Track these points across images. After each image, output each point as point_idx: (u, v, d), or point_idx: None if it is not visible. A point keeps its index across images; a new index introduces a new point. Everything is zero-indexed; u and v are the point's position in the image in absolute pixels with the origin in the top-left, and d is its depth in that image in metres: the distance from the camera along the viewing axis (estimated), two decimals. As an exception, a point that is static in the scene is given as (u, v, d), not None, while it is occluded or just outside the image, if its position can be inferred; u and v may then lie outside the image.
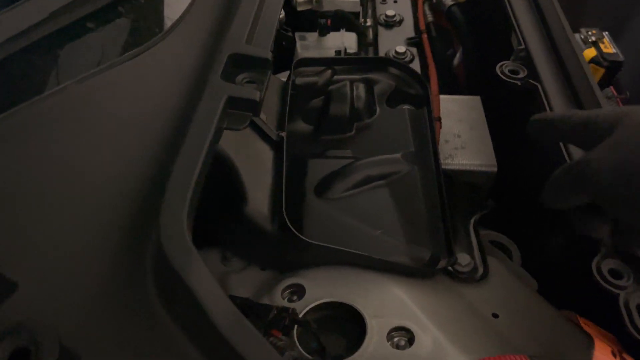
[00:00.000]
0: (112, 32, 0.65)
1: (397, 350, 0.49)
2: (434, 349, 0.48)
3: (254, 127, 0.58)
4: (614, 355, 0.38)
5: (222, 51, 0.48)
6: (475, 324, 0.53)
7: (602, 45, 0.92)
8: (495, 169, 0.71)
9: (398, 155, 0.67)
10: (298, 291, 0.55)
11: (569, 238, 0.55)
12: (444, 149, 0.73)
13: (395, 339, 0.50)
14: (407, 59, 0.86)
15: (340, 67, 0.77)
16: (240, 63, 0.50)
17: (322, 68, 0.75)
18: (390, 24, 0.95)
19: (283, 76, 0.77)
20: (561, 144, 0.58)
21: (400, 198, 0.64)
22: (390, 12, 0.96)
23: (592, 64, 0.91)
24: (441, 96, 0.77)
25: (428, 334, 0.50)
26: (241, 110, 0.43)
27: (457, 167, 0.72)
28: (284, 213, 0.54)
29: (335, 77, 0.75)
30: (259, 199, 0.56)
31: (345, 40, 0.93)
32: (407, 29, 0.94)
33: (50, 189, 0.39)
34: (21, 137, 0.41)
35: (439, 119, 0.74)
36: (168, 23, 0.60)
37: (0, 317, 0.31)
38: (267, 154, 0.59)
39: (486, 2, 0.94)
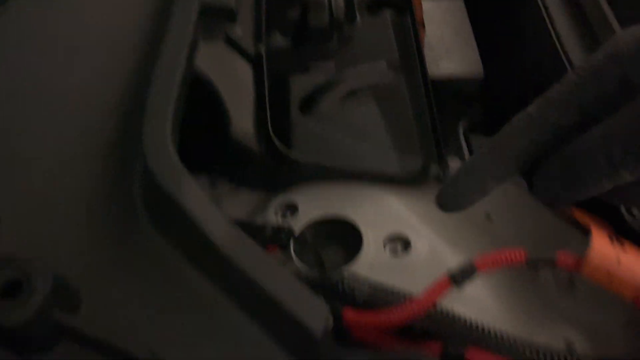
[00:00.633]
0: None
1: (395, 257, 0.49)
2: (430, 252, 0.49)
3: (230, 43, 0.55)
4: (612, 240, 0.39)
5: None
6: (468, 226, 0.54)
7: None
8: (481, 75, 0.70)
9: (383, 63, 0.65)
10: (291, 209, 0.55)
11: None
12: (428, 57, 0.71)
13: (392, 247, 0.50)
14: (386, -39, 0.81)
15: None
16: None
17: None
18: None
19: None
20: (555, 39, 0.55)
21: (387, 108, 0.62)
22: None
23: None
24: (423, 1, 0.74)
25: (424, 239, 0.50)
26: (216, 18, 0.40)
27: (442, 75, 0.71)
28: (270, 130, 0.52)
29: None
30: (243, 119, 0.54)
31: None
32: None
33: (24, 116, 0.37)
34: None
35: (423, 25, 0.71)
36: None
37: (-15, 254, 0.29)
38: (246, 70, 0.57)
39: None
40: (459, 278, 0.38)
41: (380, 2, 0.71)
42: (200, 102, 0.54)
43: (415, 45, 0.67)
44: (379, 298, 0.40)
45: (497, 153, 0.34)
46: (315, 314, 0.29)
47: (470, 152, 0.61)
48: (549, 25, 0.56)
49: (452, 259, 0.47)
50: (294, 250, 0.50)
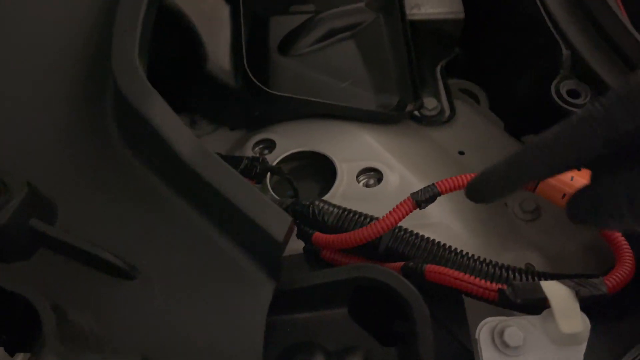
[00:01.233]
0: None
1: (367, 188, 0.51)
2: (401, 183, 0.50)
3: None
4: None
5: None
6: (441, 161, 0.55)
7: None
8: (462, 15, 0.69)
9: (362, 4, 0.65)
10: (269, 145, 0.56)
11: (533, 71, 0.55)
12: (410, -1, 0.70)
13: (365, 179, 0.52)
14: None
15: None
16: None
17: None
18: None
19: None
20: None
21: (366, 48, 0.63)
22: None
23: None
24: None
25: (395, 172, 0.51)
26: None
27: (423, 17, 0.70)
28: (246, 65, 0.53)
29: None
30: (219, 55, 0.55)
31: None
32: None
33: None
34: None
35: (404, -33, 0.71)
36: None
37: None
38: (223, 8, 0.57)
39: None
40: (421, 199, 0.39)
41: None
42: (178, 39, 0.55)
43: (395, -15, 0.67)
44: (346, 220, 0.42)
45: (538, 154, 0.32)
46: (278, 222, 0.31)
47: (447, 90, 0.62)
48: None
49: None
50: (272, 186, 0.52)
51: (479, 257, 0.40)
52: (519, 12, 0.56)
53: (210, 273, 0.32)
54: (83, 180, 0.34)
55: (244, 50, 0.53)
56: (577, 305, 0.33)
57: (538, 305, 0.34)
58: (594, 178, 0.32)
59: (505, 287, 0.35)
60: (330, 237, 0.40)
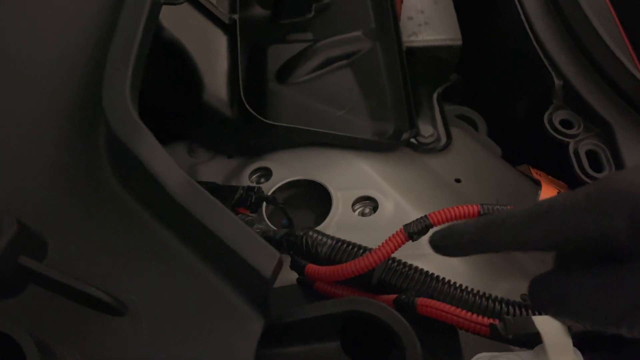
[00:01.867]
0: None
1: (362, 217, 0.51)
2: (396, 212, 0.50)
3: (204, 11, 0.56)
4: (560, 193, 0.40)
5: None
6: (437, 189, 0.55)
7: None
8: (459, 42, 0.70)
9: (359, 32, 0.65)
10: (265, 174, 0.56)
11: (528, 99, 0.56)
12: (407, 26, 0.71)
13: (360, 208, 0.52)
14: None
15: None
16: None
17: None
18: None
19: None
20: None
21: (362, 76, 0.63)
22: None
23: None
24: (402, -29, 0.74)
25: (391, 200, 0.51)
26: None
27: (421, 44, 0.71)
28: (242, 95, 0.53)
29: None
30: (216, 85, 0.55)
31: None
32: None
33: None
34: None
35: (401, -6, 0.72)
36: None
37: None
38: (220, 39, 0.58)
39: None
40: (413, 231, 0.39)
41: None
42: (175, 69, 0.56)
43: (391, 15, 0.67)
44: (339, 251, 0.41)
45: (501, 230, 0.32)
46: (265, 257, 0.31)
47: (443, 118, 0.62)
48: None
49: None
50: (267, 215, 0.52)
51: (472, 290, 0.40)
52: (512, 41, 0.57)
53: (199, 309, 0.32)
54: (74, 215, 0.34)
55: (240, 81, 0.54)
56: (569, 341, 0.32)
57: (531, 339, 0.34)
58: (557, 266, 0.32)
59: (497, 321, 0.35)
60: (323, 269, 0.40)
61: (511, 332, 0.34)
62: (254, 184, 0.55)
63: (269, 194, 0.52)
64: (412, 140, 0.59)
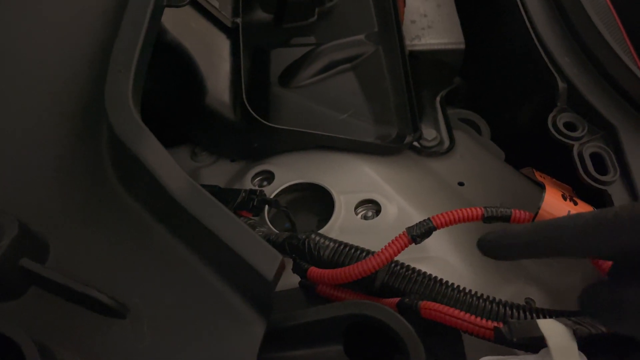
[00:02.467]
0: None
1: (365, 221, 0.51)
2: (399, 215, 0.50)
3: (207, 15, 0.56)
4: (564, 199, 0.40)
5: None
6: (440, 192, 0.55)
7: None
8: (462, 46, 0.70)
9: (362, 36, 0.65)
10: (268, 177, 0.56)
11: (531, 102, 0.56)
12: (410, 30, 0.71)
13: (363, 211, 0.52)
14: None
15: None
16: None
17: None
18: None
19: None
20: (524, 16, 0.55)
21: (365, 80, 0.63)
22: None
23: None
24: (405, -26, 0.74)
25: (394, 204, 0.51)
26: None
27: (424, 47, 0.71)
28: (244, 98, 0.53)
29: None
30: (219, 88, 0.55)
31: None
32: None
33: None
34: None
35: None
36: None
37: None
38: (223, 42, 0.58)
39: None
40: (416, 234, 0.39)
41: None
42: (178, 72, 0.56)
43: (394, 18, 0.67)
44: (342, 254, 0.41)
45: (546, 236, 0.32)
46: (268, 260, 0.30)
47: (446, 121, 0.62)
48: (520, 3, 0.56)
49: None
50: (269, 218, 0.52)
51: (476, 293, 0.39)
52: (516, 43, 0.57)
53: (201, 312, 0.32)
54: (76, 218, 0.34)
55: (243, 84, 0.54)
56: (574, 345, 0.32)
57: (535, 343, 0.33)
58: (613, 276, 0.32)
59: (501, 325, 0.34)
60: (325, 273, 0.40)
61: (516, 335, 0.33)
62: (257, 187, 0.55)
63: (272, 197, 0.52)
64: (415, 143, 0.59)
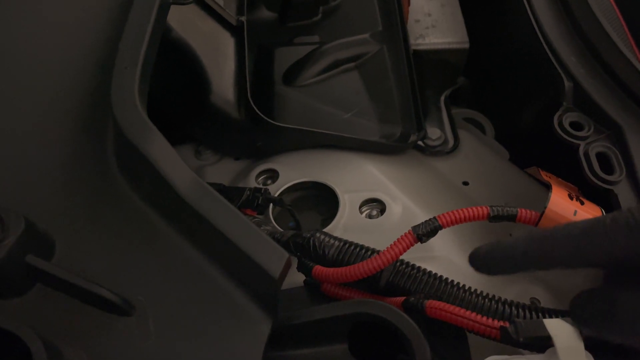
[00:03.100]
0: None
1: (370, 220, 0.50)
2: (404, 214, 0.50)
3: (211, 13, 0.56)
4: (571, 198, 0.40)
5: None
6: (445, 191, 0.55)
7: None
8: (467, 45, 0.70)
9: (366, 35, 0.65)
10: (272, 175, 0.56)
11: (537, 102, 0.55)
12: (414, 29, 0.71)
13: (368, 210, 0.52)
14: None
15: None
16: None
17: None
18: None
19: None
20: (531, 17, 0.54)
21: (370, 79, 0.63)
22: None
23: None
24: (409, -26, 0.74)
25: (399, 203, 0.51)
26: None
27: (428, 47, 0.71)
28: (249, 96, 0.53)
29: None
30: (223, 87, 0.55)
31: None
32: None
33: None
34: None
35: (408, -2, 0.72)
36: None
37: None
38: (228, 41, 0.58)
39: None
40: (422, 233, 0.39)
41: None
42: (183, 71, 0.56)
43: (398, 17, 0.67)
44: (347, 252, 0.41)
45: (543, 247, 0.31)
46: (274, 258, 0.30)
47: (451, 120, 0.62)
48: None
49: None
50: (274, 216, 0.52)
51: (481, 292, 0.39)
52: (521, 43, 0.57)
53: (206, 310, 0.31)
54: (82, 215, 0.34)
55: (247, 82, 0.54)
56: (581, 344, 0.32)
57: (541, 343, 0.33)
58: (607, 283, 0.32)
59: (507, 324, 0.34)
60: (330, 271, 0.40)
61: (522, 335, 0.33)
62: (261, 186, 0.55)
63: (276, 195, 0.52)
64: (420, 142, 0.59)
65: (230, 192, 0.50)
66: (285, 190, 0.53)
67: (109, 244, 0.33)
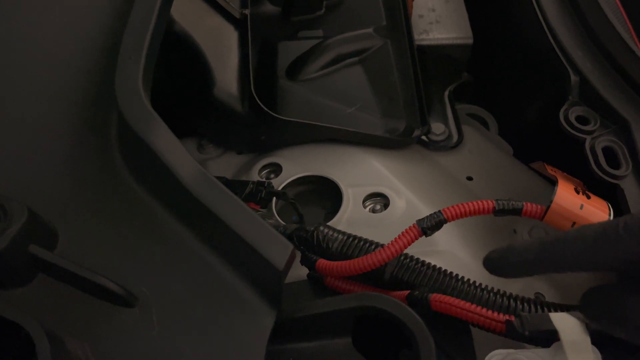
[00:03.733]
0: None
1: (373, 214, 0.50)
2: (407, 209, 0.50)
3: (215, 6, 0.55)
4: (577, 192, 0.40)
5: None
6: (448, 186, 0.55)
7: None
8: (470, 41, 0.70)
9: (370, 29, 0.65)
10: (275, 169, 0.56)
11: (542, 97, 0.55)
12: (418, 24, 0.71)
13: (371, 205, 0.51)
14: None
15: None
16: None
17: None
18: None
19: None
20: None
21: (373, 73, 0.63)
22: None
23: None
24: (413, -31, 0.74)
25: (402, 198, 0.51)
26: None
27: (432, 42, 0.71)
28: (253, 90, 0.53)
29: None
30: (227, 80, 0.55)
31: None
32: None
33: (3, 73, 0.38)
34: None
35: (412, -7, 0.71)
36: None
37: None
38: (232, 34, 0.57)
39: None
40: (426, 226, 0.39)
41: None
42: (186, 64, 0.56)
43: (402, 12, 0.67)
44: (351, 246, 0.41)
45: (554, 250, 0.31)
46: (278, 250, 0.30)
47: (455, 115, 0.61)
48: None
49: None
50: (277, 210, 0.52)
51: (486, 287, 0.39)
52: (527, 38, 0.56)
53: (210, 301, 0.31)
54: (85, 206, 0.34)
55: (251, 76, 0.53)
56: (588, 339, 0.32)
57: (547, 337, 0.33)
58: (619, 281, 0.32)
59: (513, 318, 0.34)
60: (334, 265, 0.39)
61: (528, 328, 0.33)
62: (264, 180, 0.55)
63: (280, 188, 0.52)
64: (424, 137, 0.59)
65: (233, 186, 0.50)
66: (288, 184, 0.53)
67: (112, 235, 0.33)
